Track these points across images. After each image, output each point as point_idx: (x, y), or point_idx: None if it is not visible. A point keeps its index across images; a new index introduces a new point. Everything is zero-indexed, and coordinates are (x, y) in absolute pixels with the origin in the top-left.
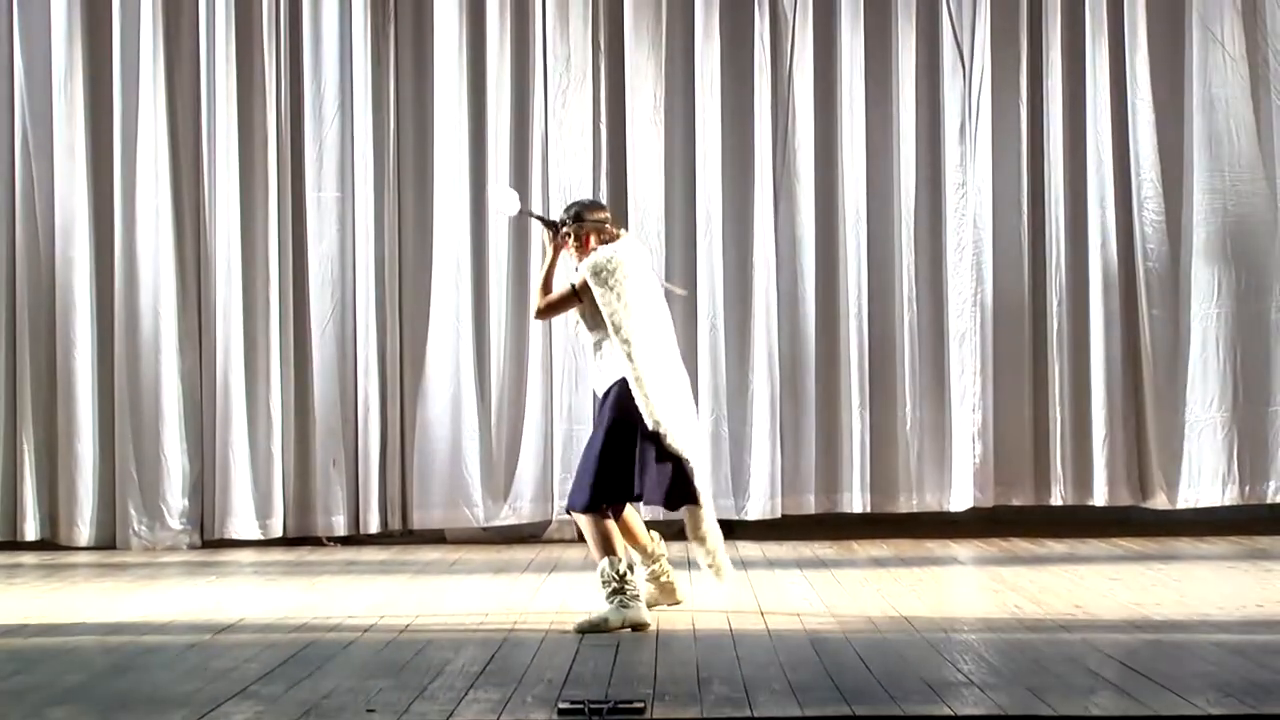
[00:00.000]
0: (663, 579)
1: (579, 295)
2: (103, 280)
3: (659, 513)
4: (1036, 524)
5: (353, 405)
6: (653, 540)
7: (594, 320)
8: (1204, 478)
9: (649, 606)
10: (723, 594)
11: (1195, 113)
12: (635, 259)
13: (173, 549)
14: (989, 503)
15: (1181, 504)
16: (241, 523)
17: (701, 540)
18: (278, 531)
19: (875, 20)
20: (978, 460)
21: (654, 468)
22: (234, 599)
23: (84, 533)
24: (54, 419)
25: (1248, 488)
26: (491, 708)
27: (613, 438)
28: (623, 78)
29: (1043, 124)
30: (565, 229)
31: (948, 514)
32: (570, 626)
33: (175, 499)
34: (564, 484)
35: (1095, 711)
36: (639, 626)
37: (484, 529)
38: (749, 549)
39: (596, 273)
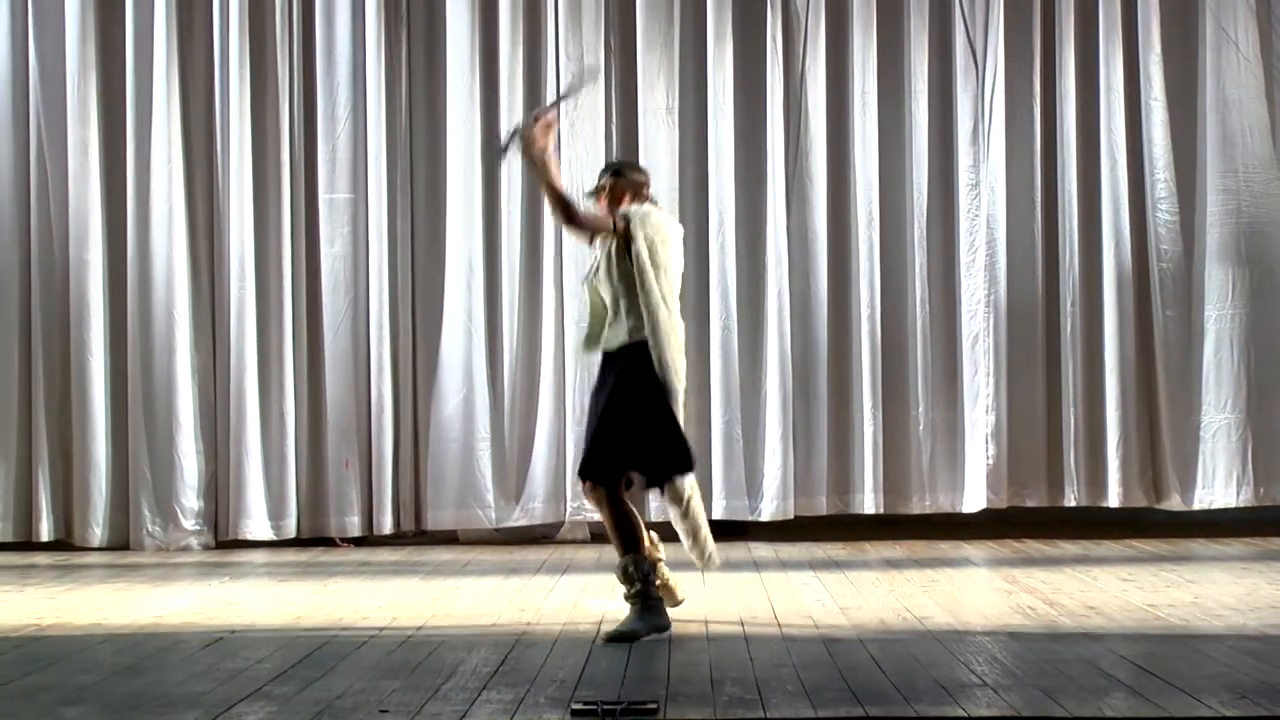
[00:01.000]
0: (662, 580)
1: (616, 231)
2: (116, 282)
3: (658, 513)
4: (1050, 525)
5: (366, 406)
6: (651, 542)
7: (619, 270)
8: (1218, 479)
9: None
10: (735, 595)
11: (1209, 113)
12: (674, 224)
13: (186, 550)
14: (1002, 504)
15: (1195, 505)
16: (255, 524)
17: (685, 515)
18: (291, 532)
19: (888, 20)
20: (991, 461)
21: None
22: (247, 600)
23: (98, 533)
24: (68, 420)
25: (1262, 489)
26: (504, 708)
27: (634, 401)
28: (635, 78)
29: (1056, 124)
30: (602, 182)
31: (960, 515)
32: (582, 626)
33: (189, 500)
34: (577, 484)
35: (1108, 713)
36: (661, 629)
37: (497, 530)
38: (761, 550)
39: (644, 219)
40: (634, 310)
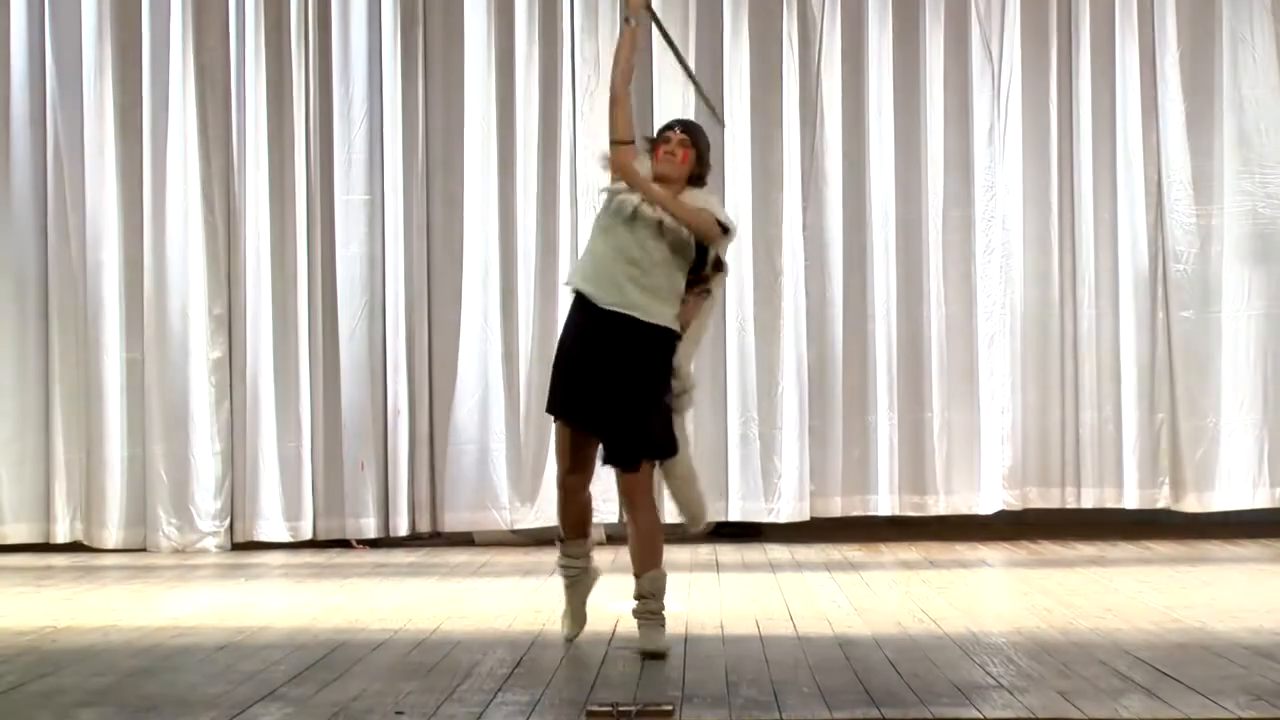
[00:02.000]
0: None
1: (716, 230)
2: (133, 283)
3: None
4: (1066, 527)
5: (382, 408)
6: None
7: (682, 256)
8: (1235, 480)
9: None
10: (751, 597)
11: (1225, 113)
12: None
13: (202, 551)
14: (1018, 505)
15: (1213, 507)
16: (270, 525)
17: (684, 483)
18: (307, 534)
19: (904, 21)
20: (1007, 463)
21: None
22: (263, 601)
23: (114, 535)
24: (84, 422)
25: (1278, 490)
26: (520, 710)
27: (663, 388)
28: (650, 80)
29: (1072, 125)
30: (675, 136)
31: (977, 516)
32: (598, 628)
33: (205, 501)
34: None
35: (1125, 715)
36: None
37: (512, 531)
38: (777, 551)
39: (727, 229)
40: (674, 296)
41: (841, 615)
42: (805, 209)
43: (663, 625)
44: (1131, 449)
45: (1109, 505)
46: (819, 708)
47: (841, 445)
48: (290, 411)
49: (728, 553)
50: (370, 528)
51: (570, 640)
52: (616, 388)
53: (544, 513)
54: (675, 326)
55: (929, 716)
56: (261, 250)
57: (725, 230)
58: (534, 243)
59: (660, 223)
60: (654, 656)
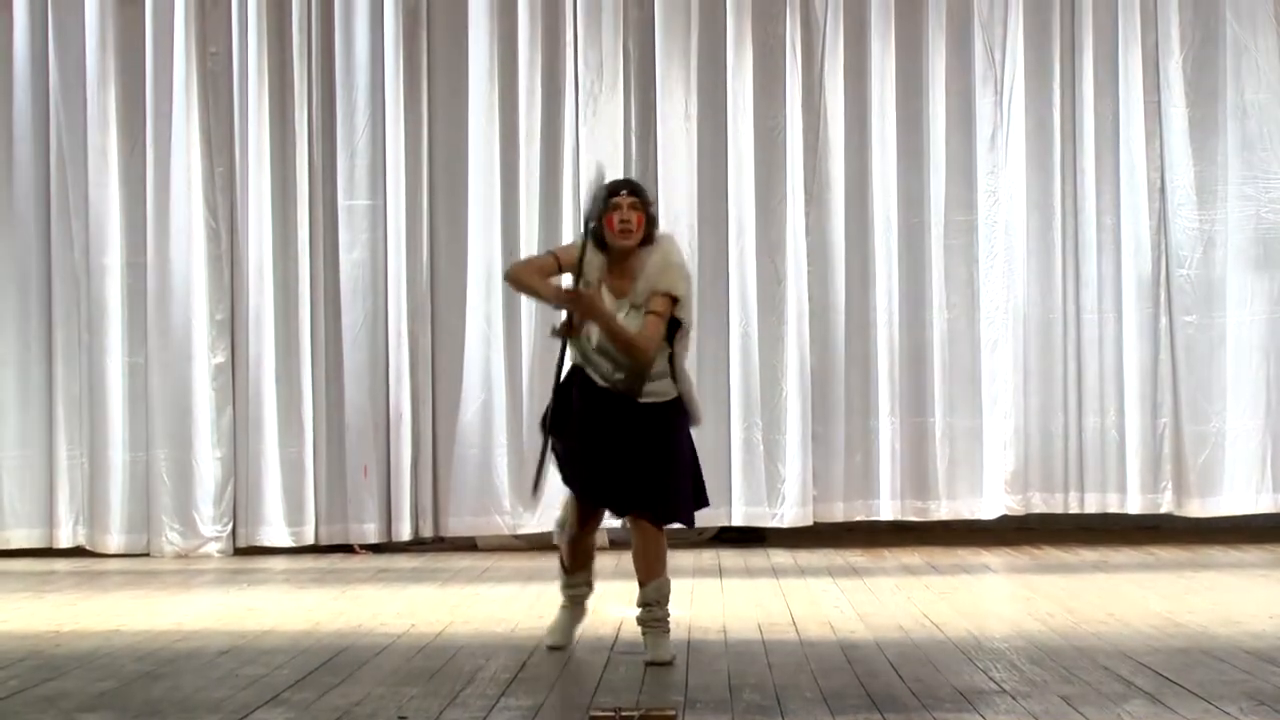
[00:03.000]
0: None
1: (657, 340)
2: (135, 288)
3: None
4: (1069, 532)
5: (384, 413)
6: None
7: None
8: (1238, 485)
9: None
10: (754, 602)
11: (1229, 119)
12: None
13: (205, 556)
14: (1021, 510)
15: (1215, 512)
16: (273, 530)
17: None
18: (309, 539)
19: (906, 27)
20: (1010, 467)
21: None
22: (265, 606)
23: (117, 540)
24: (88, 427)
25: None
26: (523, 715)
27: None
28: (654, 85)
29: (1075, 130)
30: (625, 201)
31: (980, 521)
32: (601, 632)
33: (207, 507)
34: None
35: (1127, 719)
36: None
37: (515, 536)
38: (780, 556)
39: (687, 278)
40: (668, 366)
41: (844, 620)
42: (808, 214)
43: (668, 632)
44: (1134, 454)
45: (1112, 510)
46: (822, 712)
47: (844, 450)
48: (293, 416)
49: (731, 558)
50: (373, 533)
51: (551, 649)
52: (633, 468)
53: (547, 518)
54: (673, 394)
55: None
56: (264, 255)
57: (675, 301)
58: (537, 248)
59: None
60: (660, 664)
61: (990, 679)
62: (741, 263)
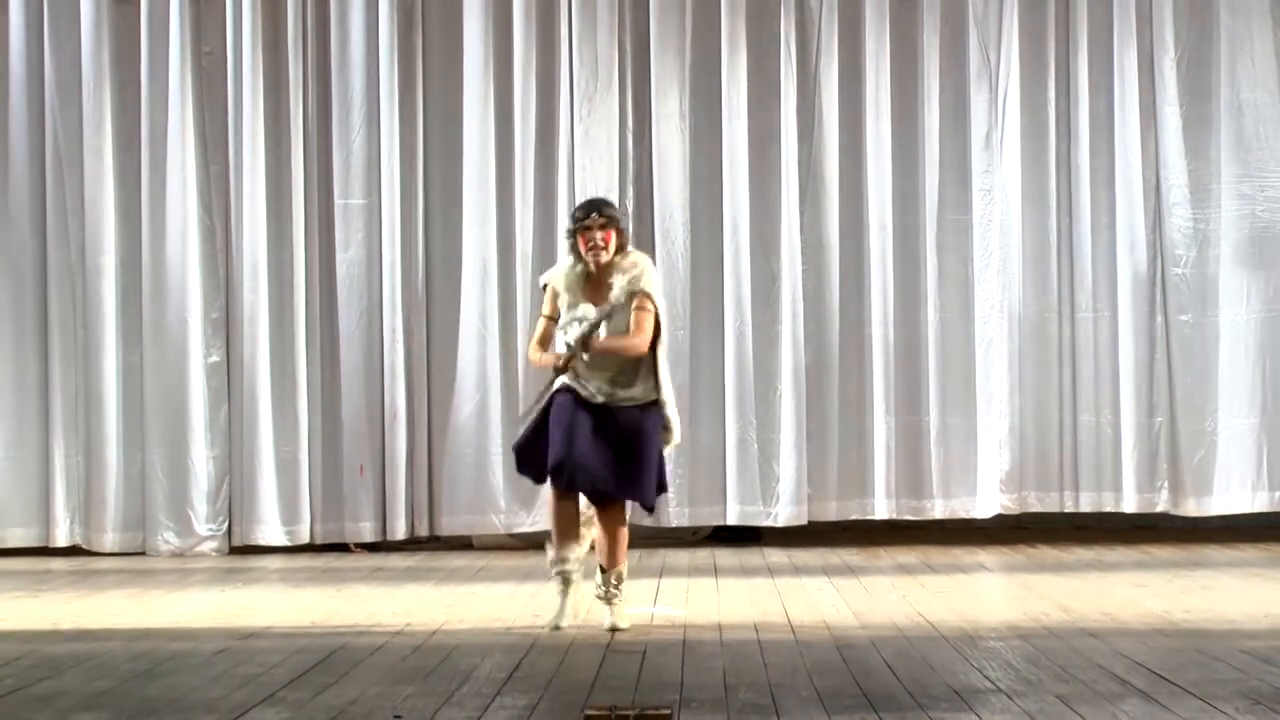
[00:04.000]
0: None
1: (647, 338)
2: (130, 287)
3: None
4: (1064, 531)
5: (379, 411)
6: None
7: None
8: (1233, 484)
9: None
10: (749, 600)
11: (1224, 117)
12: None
13: (200, 555)
14: (1016, 509)
15: (1211, 511)
16: (269, 529)
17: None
18: (305, 538)
19: (901, 27)
20: (1005, 467)
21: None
22: (261, 605)
23: (112, 539)
24: (83, 426)
25: (1277, 494)
26: (518, 714)
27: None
28: (648, 84)
29: (1070, 129)
30: (593, 221)
31: (975, 520)
32: (596, 632)
33: (203, 506)
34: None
35: (1123, 718)
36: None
37: (511, 535)
38: (775, 555)
39: (659, 284)
40: (647, 372)
41: (839, 619)
42: (803, 213)
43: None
44: (1130, 453)
45: (1107, 509)
46: (817, 711)
47: (839, 449)
48: (288, 415)
49: (726, 557)
50: (368, 531)
51: (556, 629)
52: (611, 461)
53: (542, 516)
54: (652, 397)
55: None
56: (259, 254)
57: (648, 297)
58: (531, 246)
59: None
60: (620, 630)
61: (986, 678)
62: (736, 261)
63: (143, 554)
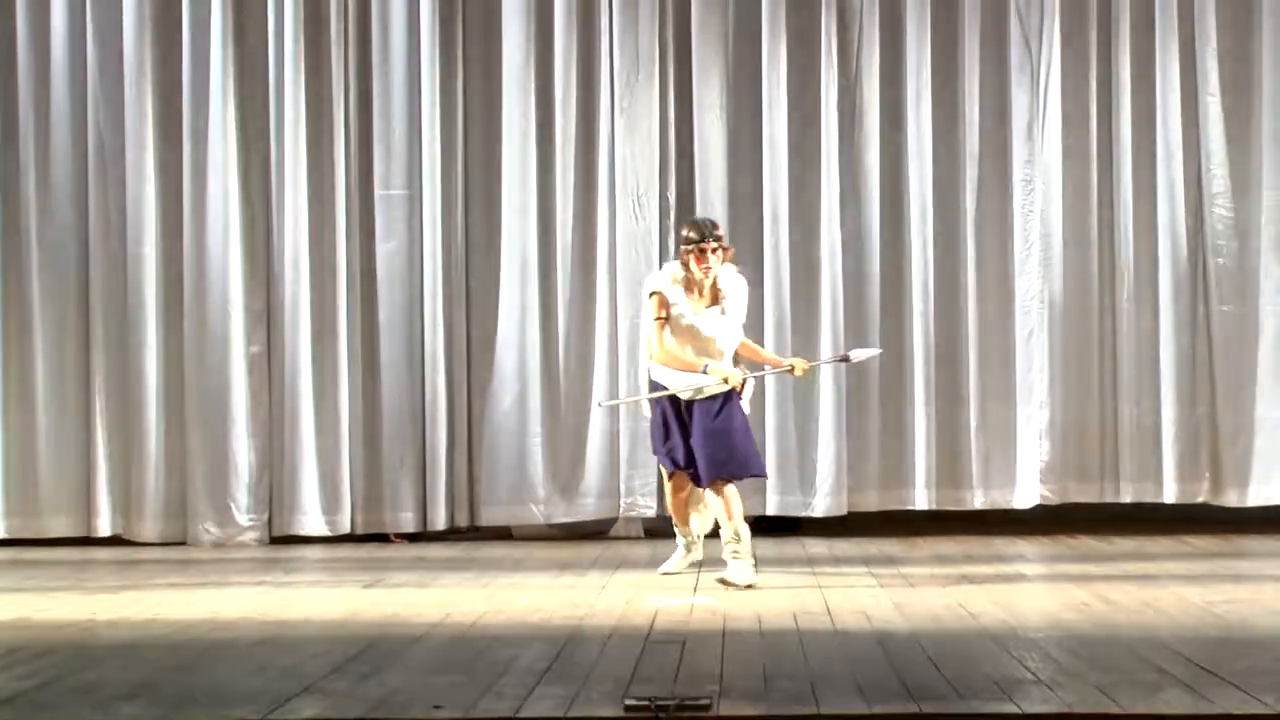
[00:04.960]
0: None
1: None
2: (172, 278)
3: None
4: (1104, 521)
5: (420, 402)
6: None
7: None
8: (1274, 475)
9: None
10: (788, 591)
11: (1265, 108)
12: None
13: (241, 545)
14: (1056, 500)
15: (1252, 501)
16: (309, 519)
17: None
18: (345, 528)
19: (943, 17)
20: (1045, 457)
21: None
22: (301, 595)
23: (153, 529)
24: (125, 416)
25: None
26: (558, 704)
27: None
28: (689, 75)
29: (1111, 120)
30: (714, 245)
31: (1015, 511)
32: (636, 622)
33: (244, 496)
34: (630, 480)
35: (1163, 709)
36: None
37: (550, 526)
38: (815, 546)
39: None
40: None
41: (879, 610)
42: (843, 204)
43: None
44: (1170, 443)
45: (1148, 500)
46: (857, 702)
47: (879, 440)
48: (329, 406)
49: (765, 547)
50: (408, 522)
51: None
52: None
53: (582, 507)
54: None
55: (967, 711)
56: (300, 245)
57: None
58: (572, 237)
59: (727, 327)
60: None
61: (1025, 669)
62: (776, 252)
63: (184, 544)
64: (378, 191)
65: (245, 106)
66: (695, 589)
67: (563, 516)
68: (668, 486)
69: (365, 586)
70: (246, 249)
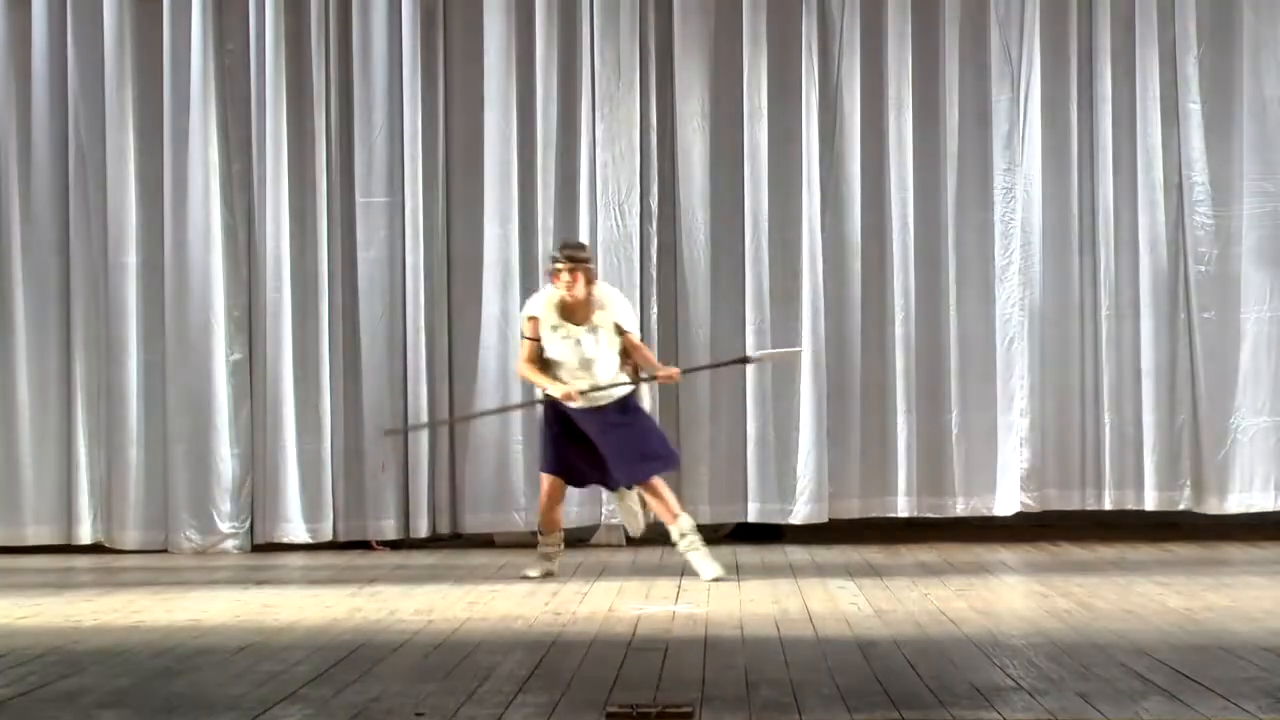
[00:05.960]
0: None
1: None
2: (153, 285)
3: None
4: (1085, 528)
5: (402, 409)
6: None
7: (617, 346)
8: (1255, 482)
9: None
10: (770, 598)
11: (1246, 115)
12: None
13: (222, 553)
14: (1037, 507)
15: (1233, 508)
16: (291, 527)
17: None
18: (327, 535)
19: (923, 26)
20: (1026, 464)
21: None
22: (283, 602)
23: (135, 537)
24: (106, 424)
25: None
26: (540, 711)
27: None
28: (671, 82)
29: (1092, 127)
30: (564, 266)
31: (996, 518)
32: (618, 629)
33: (225, 503)
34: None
35: (1145, 717)
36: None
37: (532, 533)
38: (796, 553)
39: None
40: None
41: (861, 617)
42: (824, 212)
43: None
44: (1152, 450)
45: (1129, 507)
46: (838, 709)
47: (860, 447)
48: (310, 413)
49: (747, 554)
50: (390, 529)
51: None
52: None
53: (564, 515)
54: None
55: (949, 718)
56: (282, 252)
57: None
58: (553, 245)
59: (601, 342)
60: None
61: (1007, 676)
62: (757, 260)
63: (165, 551)
64: (359, 199)
65: (226, 114)
66: (677, 597)
67: None
68: (543, 495)
69: (348, 594)
70: (228, 257)
